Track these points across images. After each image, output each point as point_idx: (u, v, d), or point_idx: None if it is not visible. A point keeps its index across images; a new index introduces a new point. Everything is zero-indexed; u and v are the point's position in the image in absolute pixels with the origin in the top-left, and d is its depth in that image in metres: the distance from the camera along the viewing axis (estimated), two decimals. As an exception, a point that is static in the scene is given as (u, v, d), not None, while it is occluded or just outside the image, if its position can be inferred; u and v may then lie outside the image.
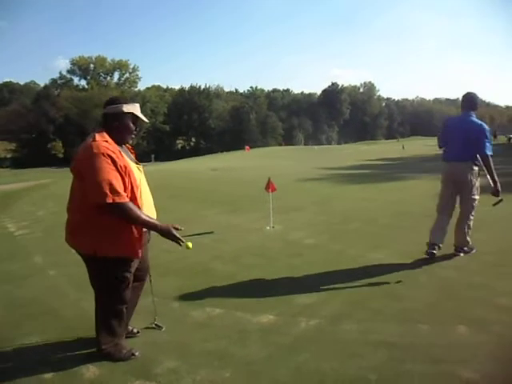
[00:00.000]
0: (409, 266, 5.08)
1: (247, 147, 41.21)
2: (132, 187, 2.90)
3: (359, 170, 17.58)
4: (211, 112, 70.25)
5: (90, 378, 2.94)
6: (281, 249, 6.08)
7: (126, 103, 3.03)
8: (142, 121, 3.17)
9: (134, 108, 3.06)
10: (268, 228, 7.27)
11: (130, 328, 3.51)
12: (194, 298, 4.33)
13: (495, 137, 43.97)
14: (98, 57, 78.60)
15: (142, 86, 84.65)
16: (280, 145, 59.82)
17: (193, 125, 69.60)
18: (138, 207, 2.92)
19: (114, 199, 2.73)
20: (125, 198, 2.79)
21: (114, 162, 2.78)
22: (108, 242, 2.90)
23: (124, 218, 2.83)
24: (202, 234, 6.69)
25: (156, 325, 3.67)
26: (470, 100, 5.38)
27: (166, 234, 2.93)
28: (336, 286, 4.56)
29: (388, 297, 4.21)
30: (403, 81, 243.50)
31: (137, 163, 3.17)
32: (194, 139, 73.52)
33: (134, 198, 2.90)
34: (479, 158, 5.20)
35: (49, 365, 3.13)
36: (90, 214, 2.85)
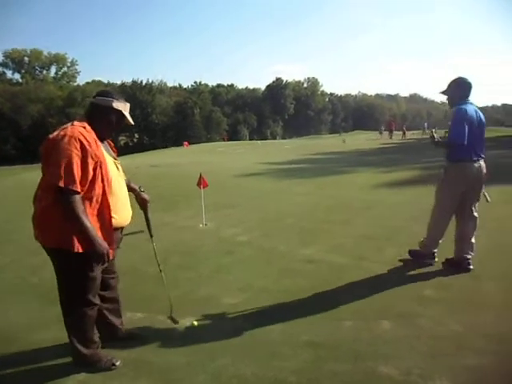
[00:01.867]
0: (338, 261, 5.11)
1: (185, 143, 40.59)
2: (103, 179, 2.77)
3: (299, 164, 17.69)
4: (154, 107, 68.76)
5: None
6: (212, 247, 5.97)
7: (117, 100, 2.92)
8: (128, 122, 3.03)
9: (124, 107, 2.96)
10: (201, 226, 7.13)
11: (131, 331, 3.42)
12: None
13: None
14: (33, 50, 74.84)
15: (81, 80, 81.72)
16: (223, 140, 59.44)
17: (136, 120, 67.37)
18: (107, 204, 2.80)
19: (65, 184, 2.57)
20: (77, 188, 2.61)
21: (84, 148, 2.65)
22: (74, 234, 2.68)
23: (67, 210, 2.61)
24: (133, 233, 6.45)
25: (172, 318, 3.53)
26: (471, 86, 4.65)
27: (98, 254, 2.69)
28: (263, 284, 4.51)
29: (315, 294, 4.20)
30: (345, 76, 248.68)
31: (115, 158, 3.06)
32: (137, 135, 71.72)
33: (103, 192, 2.78)
34: None
35: None
36: (55, 201, 2.66)
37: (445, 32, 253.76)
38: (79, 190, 2.63)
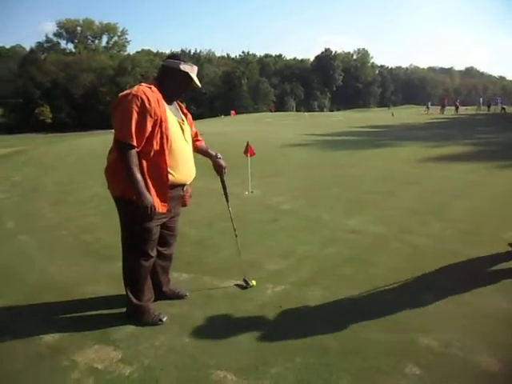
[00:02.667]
0: (382, 232, 5.06)
1: (233, 112, 40.74)
2: (162, 137, 2.87)
3: (347, 136, 17.44)
4: (202, 77, 69.00)
5: (48, 342, 2.91)
6: (256, 214, 6.03)
7: (185, 62, 3.00)
8: (195, 84, 3.10)
9: (191, 69, 3.03)
10: (246, 193, 7.21)
11: (177, 290, 3.56)
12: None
13: (489, 107, 43.41)
14: (85, 19, 76.42)
15: (131, 49, 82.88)
16: (270, 111, 59.15)
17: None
18: (164, 160, 2.89)
19: (121, 137, 2.74)
20: (133, 142, 2.74)
21: (144, 106, 2.76)
22: None
23: (121, 161, 2.77)
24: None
25: (245, 281, 3.72)
26: None
27: (141, 205, 2.79)
28: (306, 252, 4.53)
29: (357, 263, 4.19)
30: (397, 48, 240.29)
31: (182, 119, 3.16)
32: (184, 104, 72.38)
33: (161, 149, 2.88)
34: None
35: (7, 329, 3.10)
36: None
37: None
38: (135, 143, 2.74)
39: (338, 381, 2.46)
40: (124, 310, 3.24)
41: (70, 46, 76.79)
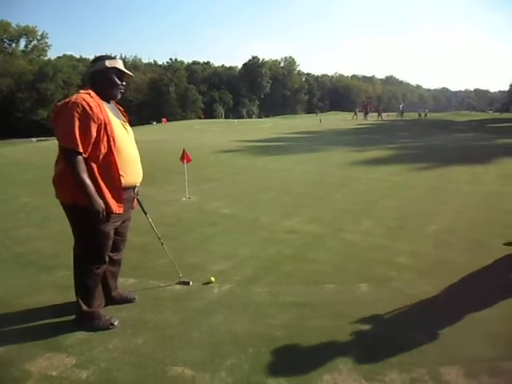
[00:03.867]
0: (318, 231, 5.36)
1: (164, 119, 40.49)
2: (108, 140, 2.92)
3: (276, 142, 17.86)
4: (128, 84, 67.74)
5: (-5, 355, 2.85)
6: (195, 219, 6.15)
7: (109, 59, 3.09)
8: (128, 75, 3.20)
9: (117, 63, 3.10)
10: (184, 199, 7.29)
11: (125, 294, 3.59)
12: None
13: (402, 113, 45.95)
14: (0, 21, 72.32)
15: (52, 54, 79.60)
16: (199, 118, 59.09)
17: (109, 97, 66.64)
18: (114, 161, 2.95)
19: (67, 144, 2.79)
20: (79, 148, 2.79)
21: (85, 112, 2.82)
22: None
23: (69, 168, 2.81)
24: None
25: (183, 282, 3.86)
26: None
27: (93, 209, 2.83)
28: (249, 253, 4.72)
29: (297, 261, 4.45)
30: (322, 56, 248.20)
31: (124, 121, 3.22)
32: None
33: (109, 151, 2.94)
34: None
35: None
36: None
37: (420, 12, 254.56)
38: (81, 150, 2.80)
39: (289, 367, 2.66)
40: (72, 317, 3.24)
41: (-16, 50, 72.34)
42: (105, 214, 2.89)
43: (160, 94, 69.13)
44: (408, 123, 32.11)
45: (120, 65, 3.12)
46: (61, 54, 77.96)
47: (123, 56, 71.52)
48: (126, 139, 3.13)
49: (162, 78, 71.00)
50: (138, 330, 3.12)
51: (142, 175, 3.32)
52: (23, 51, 74.29)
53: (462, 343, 2.88)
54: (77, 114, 2.80)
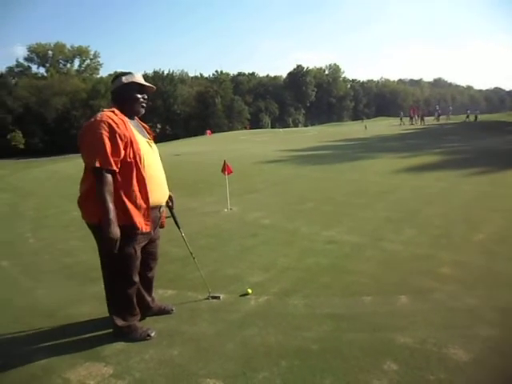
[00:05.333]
0: (358, 241, 5.27)
1: (208, 131, 41.03)
2: (134, 156, 2.93)
3: (321, 151, 17.78)
4: (176, 97, 69.18)
5: (39, 363, 2.97)
6: (236, 230, 6.19)
7: (125, 75, 3.10)
8: (148, 87, 3.19)
9: (134, 77, 3.10)
10: (225, 210, 7.36)
11: (163, 306, 3.65)
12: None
13: (439, 117, 44.59)
14: (56, 43, 75.71)
15: (104, 72, 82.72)
16: (245, 128, 59.62)
17: (158, 111, 68.70)
18: (142, 178, 2.95)
19: (100, 163, 2.76)
20: (112, 167, 2.80)
21: (112, 129, 2.82)
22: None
23: (97, 186, 2.79)
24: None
25: (212, 297, 3.87)
26: None
27: (107, 237, 2.77)
28: (287, 263, 4.69)
29: (335, 272, 4.37)
30: (367, 62, 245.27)
31: (149, 139, 3.23)
32: (159, 125, 72.27)
33: (137, 169, 2.94)
34: None
35: (-3, 354, 3.14)
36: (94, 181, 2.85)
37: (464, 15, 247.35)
38: (114, 167, 2.82)
39: (321, 381, 2.61)
40: (111, 329, 3.31)
41: (42, 70, 75.84)
42: (117, 244, 2.84)
43: (207, 107, 70.16)
44: (457, 126, 31.13)
45: (138, 79, 3.12)
46: (112, 72, 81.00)
47: (171, 71, 73.17)
48: (151, 157, 3.15)
49: (208, 91, 72.05)
50: (173, 342, 3.16)
51: (167, 194, 3.33)
52: (77, 70, 77.64)
53: (506, 364, 2.73)
54: (105, 132, 2.80)
